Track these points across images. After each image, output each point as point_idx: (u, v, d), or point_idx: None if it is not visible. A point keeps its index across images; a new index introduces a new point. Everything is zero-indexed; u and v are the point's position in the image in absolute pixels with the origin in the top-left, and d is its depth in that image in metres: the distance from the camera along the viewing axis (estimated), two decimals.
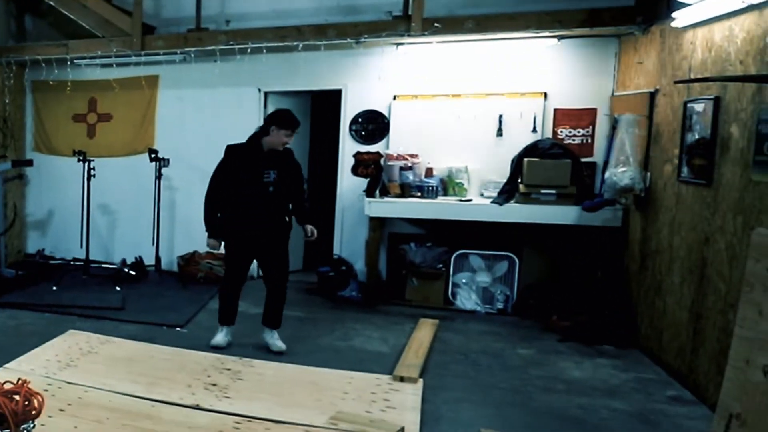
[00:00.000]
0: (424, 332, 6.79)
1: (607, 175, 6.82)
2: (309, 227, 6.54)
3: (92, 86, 10.05)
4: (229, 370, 5.72)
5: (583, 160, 7.67)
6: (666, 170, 6.25)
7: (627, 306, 6.90)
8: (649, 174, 6.60)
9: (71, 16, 9.26)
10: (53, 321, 7.21)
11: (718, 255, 5.17)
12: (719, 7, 5.32)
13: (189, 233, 9.49)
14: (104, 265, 9.61)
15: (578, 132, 7.92)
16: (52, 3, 9.29)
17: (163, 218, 9.31)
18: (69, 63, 9.65)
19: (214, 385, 5.36)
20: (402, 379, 5.55)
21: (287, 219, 6.45)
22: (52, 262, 10.04)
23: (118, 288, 8.58)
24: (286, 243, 6.50)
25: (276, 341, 6.44)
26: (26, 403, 3.52)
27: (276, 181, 6.26)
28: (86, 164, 9.10)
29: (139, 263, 9.27)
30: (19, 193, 10.40)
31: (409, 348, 6.35)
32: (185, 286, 8.83)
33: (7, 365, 5.58)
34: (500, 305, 7.86)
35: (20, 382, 4.21)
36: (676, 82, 5.96)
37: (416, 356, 6.10)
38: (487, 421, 4.86)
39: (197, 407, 4.92)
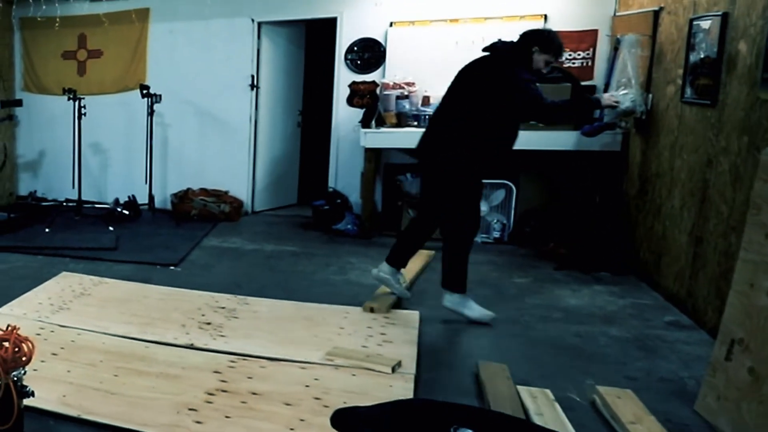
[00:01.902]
0: (414, 263, 6.74)
1: (607, 97, 6.68)
2: None
3: (81, 21, 9.91)
4: (223, 308, 5.70)
5: (583, 83, 7.48)
6: (669, 91, 6.12)
7: (625, 232, 6.85)
8: (651, 96, 6.47)
9: None
10: (46, 263, 7.19)
11: (722, 177, 5.08)
12: None
13: (182, 170, 9.57)
14: (97, 205, 9.58)
15: (578, 55, 7.77)
16: None
17: (155, 156, 9.25)
18: None
19: (209, 323, 5.34)
20: (372, 310, 5.56)
21: None
22: (44, 203, 10.03)
23: (110, 228, 8.54)
24: None
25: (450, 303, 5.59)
26: (16, 350, 3.52)
27: None
28: (77, 102, 8.98)
29: (132, 202, 9.25)
30: (9, 134, 10.35)
31: None
32: (179, 224, 8.80)
33: None
34: (497, 234, 7.81)
35: (9, 328, 4.21)
36: None
37: None
38: (484, 352, 4.84)
39: (191, 347, 4.91)
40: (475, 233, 5.58)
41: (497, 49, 5.38)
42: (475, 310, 5.38)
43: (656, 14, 6.51)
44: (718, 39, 5.27)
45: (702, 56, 5.51)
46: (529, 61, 5.29)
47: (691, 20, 5.72)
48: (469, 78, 5.44)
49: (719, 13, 5.28)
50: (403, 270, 5.90)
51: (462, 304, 5.40)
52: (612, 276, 6.49)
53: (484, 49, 5.49)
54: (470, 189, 5.42)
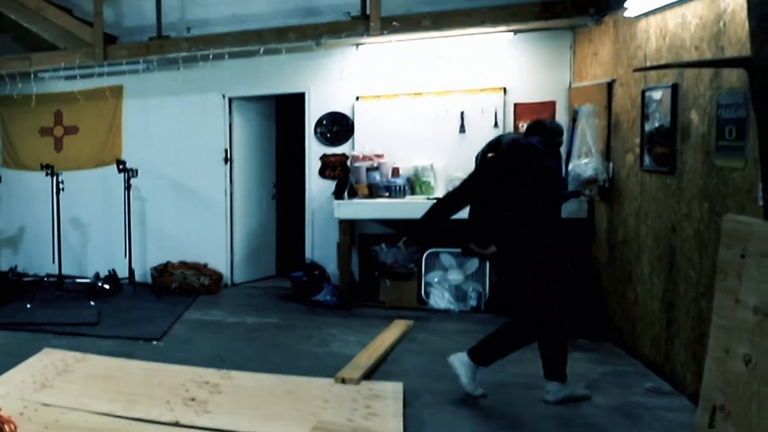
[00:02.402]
0: (390, 333, 6.55)
1: (570, 167, 6.60)
2: None
3: (57, 99, 9.68)
4: (207, 383, 5.42)
5: None
6: (628, 159, 6.04)
7: (598, 298, 6.68)
8: (611, 164, 6.39)
9: (33, 29, 8.88)
10: (28, 340, 6.87)
11: (687, 243, 4.98)
12: None
13: (161, 243, 9.28)
14: (78, 280, 9.23)
15: None
16: (12, 17, 8.87)
17: (134, 229, 8.96)
18: (33, 76, 9.20)
19: (193, 399, 5.06)
20: (343, 381, 5.33)
21: None
22: (25, 279, 9.60)
23: (92, 303, 8.23)
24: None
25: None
26: None
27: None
28: (55, 178, 8.75)
29: (112, 276, 8.90)
30: None
31: (366, 349, 6.10)
32: (160, 298, 8.47)
33: None
34: (473, 303, 7.59)
35: None
36: (635, 70, 5.74)
37: (369, 357, 5.85)
38: (470, 423, 4.65)
39: (177, 424, 4.64)
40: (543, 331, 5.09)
41: (530, 144, 5.07)
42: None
43: (609, 86, 6.46)
44: (670, 109, 5.23)
45: (657, 125, 5.46)
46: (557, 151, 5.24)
47: (643, 91, 5.68)
48: (510, 172, 5.00)
49: (669, 84, 5.25)
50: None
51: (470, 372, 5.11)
52: (590, 342, 6.30)
53: (508, 145, 5.11)
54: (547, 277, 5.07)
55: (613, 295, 6.42)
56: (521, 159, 4.96)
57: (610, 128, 6.44)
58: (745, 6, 3.12)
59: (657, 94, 5.45)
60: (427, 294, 7.75)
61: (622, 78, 6.20)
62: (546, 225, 4.97)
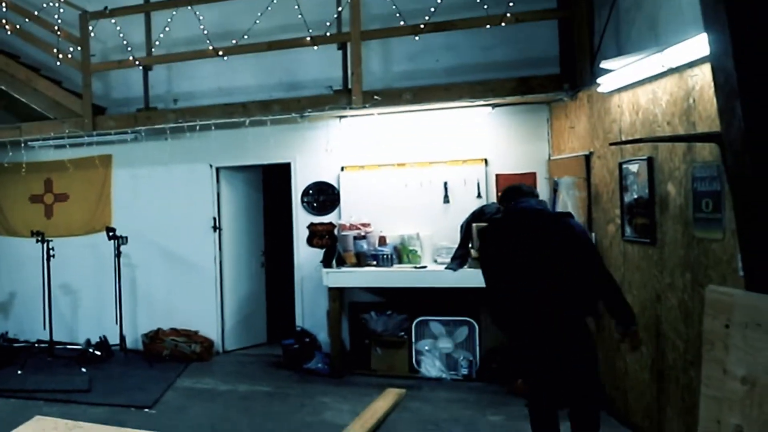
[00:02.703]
0: (382, 402, 6.37)
1: None
2: None
3: (47, 167, 9.51)
4: None
5: None
6: (609, 230, 5.99)
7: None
8: (594, 234, 6.32)
9: (23, 100, 8.75)
10: (18, 407, 6.68)
11: (672, 312, 4.91)
12: (640, 72, 5.18)
13: (151, 310, 9.04)
14: (69, 346, 8.93)
15: None
16: (3, 87, 8.79)
17: (125, 296, 8.74)
18: (23, 145, 9.08)
19: None
20: None
21: None
22: (15, 345, 9.33)
23: (83, 369, 7.95)
24: None
25: None
26: None
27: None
28: (45, 244, 8.55)
29: (103, 343, 8.62)
30: None
31: (359, 418, 5.93)
32: (151, 365, 8.20)
33: None
34: (465, 371, 7.37)
35: None
36: (611, 144, 5.74)
37: (361, 427, 5.69)
38: None
39: None
40: None
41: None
42: None
43: (587, 158, 6.44)
44: (647, 181, 5.21)
45: (635, 197, 5.44)
46: None
47: (621, 164, 5.68)
48: (539, 236, 4.56)
49: (644, 157, 5.25)
50: None
51: None
52: None
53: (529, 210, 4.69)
54: None
55: (603, 364, 6.20)
56: (560, 225, 4.57)
57: (590, 199, 6.40)
58: (712, 83, 3.11)
59: (634, 167, 5.44)
60: (418, 362, 7.54)
61: (599, 151, 6.20)
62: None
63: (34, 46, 8.87)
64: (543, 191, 7.44)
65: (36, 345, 9.11)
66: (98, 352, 8.52)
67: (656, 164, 5.11)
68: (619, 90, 5.69)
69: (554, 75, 6.99)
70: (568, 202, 6.39)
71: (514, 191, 4.80)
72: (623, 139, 5.62)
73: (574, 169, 6.66)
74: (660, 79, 5.01)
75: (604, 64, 5.49)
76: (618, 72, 5.45)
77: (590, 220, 6.41)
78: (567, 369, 4.52)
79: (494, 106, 7.54)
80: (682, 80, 4.69)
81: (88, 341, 8.70)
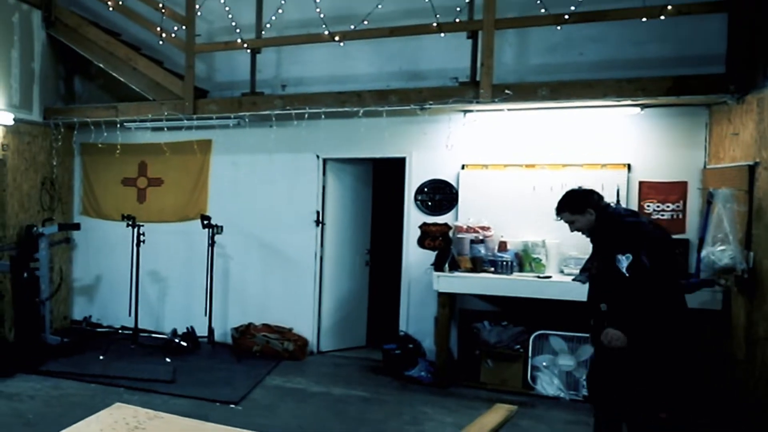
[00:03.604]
0: (491, 417, 6.16)
1: (703, 253, 6.29)
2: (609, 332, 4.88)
3: (142, 150, 9.79)
4: None
5: (674, 236, 7.07)
6: None
7: (732, 397, 6.25)
8: (752, 253, 6.03)
9: (121, 79, 9.07)
10: (99, 392, 6.89)
11: None
12: None
13: (243, 304, 9.19)
14: (154, 335, 9.23)
15: (667, 207, 7.37)
16: (101, 65, 9.14)
17: (216, 287, 8.93)
18: (119, 126, 9.44)
19: None
20: None
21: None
22: (99, 329, 9.70)
23: (168, 359, 8.15)
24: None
25: None
26: None
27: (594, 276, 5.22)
28: (136, 229, 8.80)
29: (190, 334, 8.81)
30: (65, 257, 10.07)
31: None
32: (240, 360, 8.32)
33: None
34: (586, 392, 7.09)
35: None
36: None
37: None
38: None
39: None
40: None
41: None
42: None
43: (752, 169, 6.15)
44: None
45: None
46: None
47: None
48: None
49: None
50: None
51: None
52: None
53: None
54: None
55: (751, 395, 5.95)
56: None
57: (751, 214, 6.10)
58: None
59: None
60: (534, 378, 7.39)
61: (767, 161, 5.91)
62: None
63: (136, 23, 9.16)
64: (695, 202, 7.22)
65: (120, 331, 9.43)
66: (184, 343, 8.70)
67: None
68: None
69: (718, 75, 6.71)
70: (724, 216, 6.11)
71: (596, 195, 5.15)
72: None
73: (733, 180, 6.38)
74: None
75: None
76: None
77: (749, 237, 6.11)
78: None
79: (644, 106, 7.34)
80: None
81: (174, 331, 8.91)
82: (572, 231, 5.24)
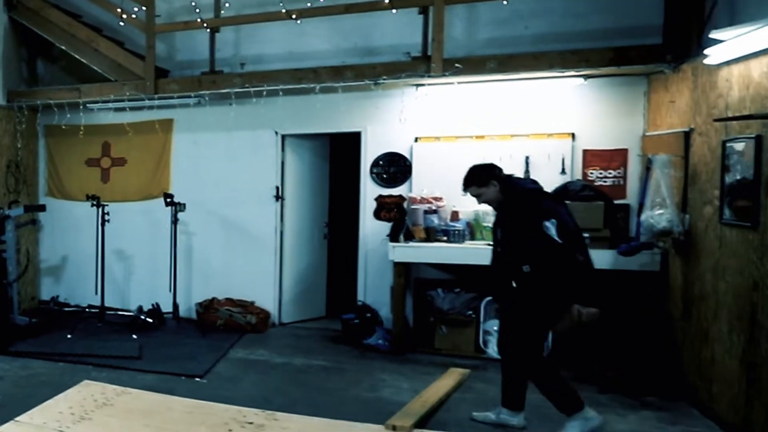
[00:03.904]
0: (445, 381, 6.44)
1: (643, 217, 6.52)
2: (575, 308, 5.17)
3: (105, 130, 9.86)
4: (251, 423, 5.36)
5: (615, 202, 7.38)
6: (706, 212, 5.94)
7: (670, 354, 6.55)
8: (688, 216, 6.30)
9: (83, 61, 9.13)
10: (67, 371, 6.95)
11: None
12: (756, 43, 5.08)
13: (207, 279, 9.36)
14: (120, 313, 9.33)
15: (609, 173, 7.64)
16: (64, 47, 9.18)
17: (180, 264, 9.07)
18: (81, 107, 9.49)
19: None
20: (394, 428, 5.24)
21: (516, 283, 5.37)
22: (66, 309, 9.80)
23: (134, 336, 8.27)
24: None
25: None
26: None
27: (502, 241, 5.51)
28: (100, 209, 8.87)
29: (156, 310, 8.96)
30: (32, 238, 10.15)
31: (419, 396, 6.00)
32: (204, 334, 8.49)
33: (18, 418, 5.28)
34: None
35: None
36: (715, 120, 5.68)
37: (422, 405, 5.75)
38: None
39: None
40: None
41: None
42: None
43: (687, 135, 6.39)
44: (753, 161, 5.13)
45: (738, 178, 5.38)
46: None
47: (724, 142, 5.61)
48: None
49: (752, 135, 5.17)
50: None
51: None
52: (660, 400, 6.14)
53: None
54: None
55: (687, 352, 6.27)
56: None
57: (687, 179, 6.35)
58: None
59: (739, 146, 5.37)
60: (485, 342, 7.62)
61: (701, 128, 6.14)
62: None
63: (96, 5, 9.23)
64: (635, 169, 7.49)
65: (87, 310, 9.51)
66: (150, 320, 8.85)
67: (765, 143, 5.03)
68: (729, 63, 5.61)
69: (656, 45, 6.93)
70: (662, 181, 6.33)
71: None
72: (729, 115, 5.55)
73: (671, 147, 6.61)
74: None
75: (715, 35, 5.42)
76: (730, 43, 5.35)
77: (685, 201, 6.38)
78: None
79: (587, 77, 7.54)
80: None
81: (140, 308, 9.02)
82: (480, 203, 5.60)
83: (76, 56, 9.16)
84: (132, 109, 9.34)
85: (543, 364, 5.32)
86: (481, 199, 5.50)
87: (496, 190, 5.38)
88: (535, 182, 5.54)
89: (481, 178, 5.41)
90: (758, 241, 5.05)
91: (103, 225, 8.92)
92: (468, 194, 5.57)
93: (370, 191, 8.59)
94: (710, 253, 5.81)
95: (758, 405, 4.96)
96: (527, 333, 5.26)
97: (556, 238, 5.00)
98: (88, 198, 8.95)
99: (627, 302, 7.13)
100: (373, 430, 5.30)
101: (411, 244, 7.74)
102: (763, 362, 4.90)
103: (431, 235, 7.80)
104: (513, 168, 7.73)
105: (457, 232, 7.69)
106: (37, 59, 10.24)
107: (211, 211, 9.26)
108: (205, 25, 8.66)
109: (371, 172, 8.57)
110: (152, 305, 9.00)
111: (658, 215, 6.29)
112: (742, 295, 5.26)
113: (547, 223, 5.04)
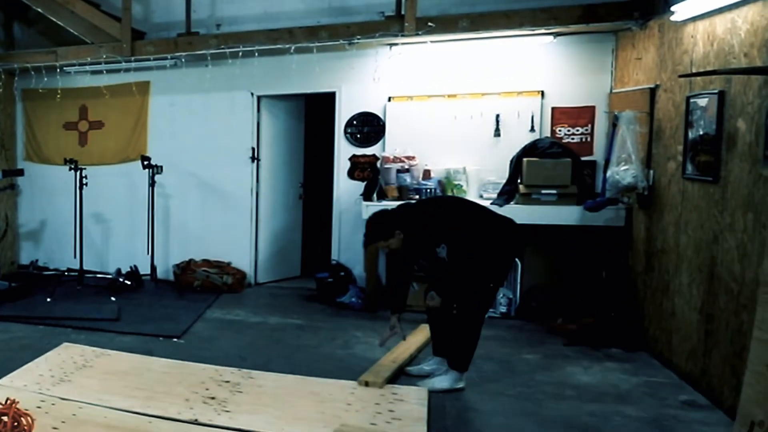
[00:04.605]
0: (416, 337, 6.53)
1: (608, 173, 6.57)
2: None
3: (83, 93, 9.81)
4: (227, 382, 5.47)
5: (583, 158, 7.45)
6: (669, 167, 6.01)
7: (633, 307, 6.67)
8: (652, 172, 6.37)
9: (60, 23, 9.02)
10: (47, 334, 6.98)
11: (729, 254, 4.94)
12: None
13: (184, 241, 9.40)
14: (99, 275, 9.34)
15: (577, 130, 7.69)
16: (40, 10, 9.07)
17: (157, 226, 9.11)
18: (58, 70, 9.42)
19: (213, 398, 5.11)
20: (367, 384, 5.37)
21: None
22: (45, 273, 9.81)
23: (113, 298, 8.33)
24: None
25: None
26: (15, 424, 3.30)
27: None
28: (78, 173, 8.86)
29: (134, 273, 9.00)
30: (11, 203, 10.16)
31: (391, 353, 6.09)
32: (182, 295, 8.57)
33: None
34: (503, 309, 7.54)
35: (9, 402, 3.97)
36: (680, 76, 5.71)
37: (393, 361, 5.87)
38: (496, 430, 4.65)
39: (195, 422, 4.68)
40: None
41: None
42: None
43: (652, 91, 6.43)
44: (716, 116, 5.18)
45: (701, 133, 5.42)
46: None
47: (688, 98, 5.64)
48: None
49: (715, 91, 5.20)
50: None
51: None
52: (623, 352, 6.27)
53: None
54: None
55: (649, 305, 6.39)
56: None
57: (652, 135, 6.41)
58: None
59: (702, 101, 5.42)
60: None
61: (666, 84, 6.18)
62: None
63: None
64: (602, 125, 7.55)
65: (66, 273, 9.52)
66: (128, 282, 8.89)
67: (728, 98, 5.08)
68: (694, 19, 5.63)
69: (623, 2, 6.92)
70: (628, 137, 6.38)
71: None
72: (694, 71, 5.59)
73: (637, 103, 6.66)
74: (741, 7, 4.94)
75: None
76: None
77: (650, 156, 6.45)
78: None
79: (556, 35, 7.53)
80: (766, 9, 4.63)
81: (118, 271, 9.05)
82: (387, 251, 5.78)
83: (53, 18, 9.03)
84: (109, 71, 9.22)
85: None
86: (390, 248, 5.57)
87: (401, 237, 5.41)
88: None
89: (385, 233, 5.45)
90: (719, 195, 5.12)
91: (81, 189, 8.90)
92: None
93: (344, 151, 8.61)
94: (673, 208, 5.89)
95: (716, 355, 5.06)
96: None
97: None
98: (66, 162, 8.91)
99: (592, 257, 7.25)
100: (346, 386, 5.39)
101: (384, 202, 7.74)
102: (721, 314, 4.99)
103: (404, 193, 7.85)
104: (484, 126, 7.88)
105: (429, 190, 7.74)
106: (14, 22, 10.13)
107: (187, 173, 9.28)
108: None
109: (345, 132, 8.59)
110: (130, 267, 9.04)
111: (624, 171, 6.34)
112: (702, 248, 5.35)
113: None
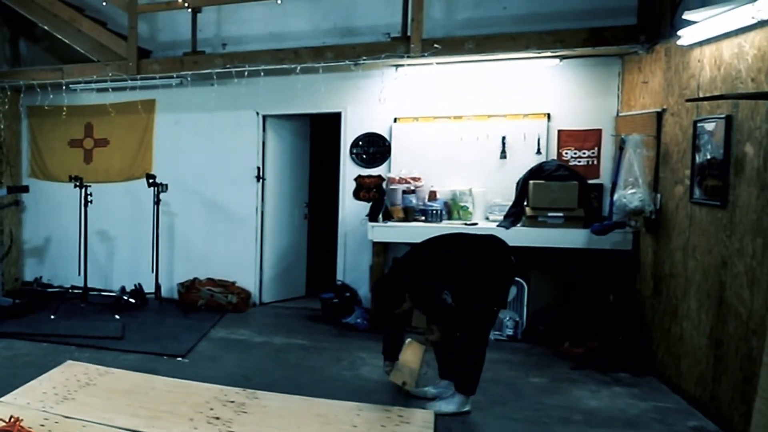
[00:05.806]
0: (409, 354, 6.47)
1: (615, 197, 6.57)
2: None
3: (88, 111, 9.79)
4: (232, 402, 5.43)
5: (589, 181, 7.45)
6: (677, 191, 5.99)
7: (641, 332, 6.62)
8: (659, 195, 6.35)
9: (66, 41, 9.03)
10: (50, 351, 6.94)
11: (737, 279, 4.91)
12: (727, 24, 5.10)
13: (188, 259, 9.35)
14: (103, 293, 9.33)
15: (583, 153, 7.70)
16: (46, 28, 9.08)
17: (162, 244, 9.06)
18: (64, 88, 9.40)
19: (218, 418, 5.07)
20: (404, 384, 5.60)
21: None
22: (49, 290, 9.75)
23: (117, 316, 8.30)
24: None
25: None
26: None
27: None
28: (83, 190, 8.86)
29: (138, 291, 8.96)
30: (15, 219, 10.11)
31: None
32: (186, 314, 8.54)
33: (2, 399, 5.31)
34: (510, 332, 7.49)
35: (12, 420, 3.93)
36: (687, 101, 5.70)
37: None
38: None
39: None
40: None
41: None
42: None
43: (659, 115, 6.43)
44: (723, 141, 5.17)
45: (708, 157, 5.42)
46: None
47: (695, 122, 5.64)
48: None
49: (723, 115, 5.20)
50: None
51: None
52: (631, 377, 6.23)
53: None
54: None
55: (657, 329, 6.34)
56: None
57: (659, 159, 6.40)
58: None
59: (710, 126, 5.41)
60: None
61: (673, 108, 6.18)
62: None
63: None
64: (608, 148, 7.55)
65: (70, 291, 9.48)
66: (132, 300, 8.84)
67: (735, 123, 5.07)
68: (701, 43, 5.64)
69: (630, 26, 6.97)
70: (635, 160, 6.38)
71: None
72: (701, 95, 5.58)
73: (643, 127, 6.65)
74: (748, 32, 4.94)
75: (687, 15, 5.44)
76: (702, 24, 5.38)
77: (657, 180, 6.42)
78: None
79: (562, 58, 7.55)
80: None
81: (122, 289, 9.00)
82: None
83: (59, 36, 9.05)
84: (114, 89, 9.23)
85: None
86: (405, 307, 5.62)
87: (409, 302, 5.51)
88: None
89: (396, 303, 5.54)
90: (727, 220, 5.10)
91: (86, 206, 8.90)
92: None
93: (349, 171, 8.59)
94: (680, 232, 5.87)
95: (725, 381, 5.03)
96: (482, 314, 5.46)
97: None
98: (71, 179, 8.91)
99: (599, 280, 7.22)
100: (352, 407, 5.35)
101: (389, 223, 7.78)
102: (731, 340, 4.96)
103: (409, 214, 7.84)
104: (490, 148, 7.88)
105: (434, 211, 7.73)
106: (20, 39, 10.13)
107: (192, 191, 9.25)
108: (186, 5, 8.58)
109: (351, 153, 8.57)
110: (135, 286, 9.00)
111: (631, 194, 6.33)
112: (710, 273, 5.32)
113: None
